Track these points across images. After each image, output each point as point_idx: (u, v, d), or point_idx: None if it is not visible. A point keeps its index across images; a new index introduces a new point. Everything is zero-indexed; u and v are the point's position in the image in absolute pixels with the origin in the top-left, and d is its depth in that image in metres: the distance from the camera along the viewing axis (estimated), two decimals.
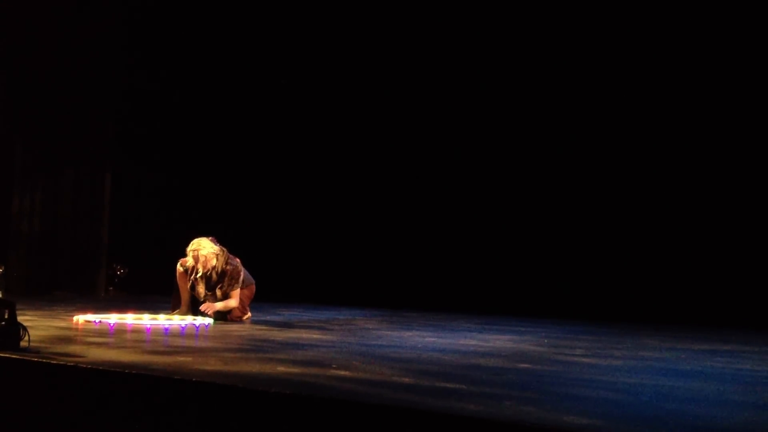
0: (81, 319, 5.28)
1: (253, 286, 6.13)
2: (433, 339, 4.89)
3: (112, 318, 5.34)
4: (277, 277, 8.32)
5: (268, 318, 6.33)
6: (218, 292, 5.78)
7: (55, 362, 2.99)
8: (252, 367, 3.13)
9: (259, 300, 6.33)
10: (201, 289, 5.78)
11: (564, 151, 7.87)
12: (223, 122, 9.73)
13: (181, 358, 3.31)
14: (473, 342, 4.77)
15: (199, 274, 5.72)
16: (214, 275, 5.77)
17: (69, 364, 2.96)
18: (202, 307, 5.64)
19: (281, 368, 3.11)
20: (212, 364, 3.15)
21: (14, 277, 8.64)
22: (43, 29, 9.19)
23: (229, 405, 2.58)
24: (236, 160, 9.64)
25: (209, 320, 5.56)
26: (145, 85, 9.75)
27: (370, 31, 8.80)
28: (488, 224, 8.26)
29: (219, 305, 5.72)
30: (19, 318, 3.43)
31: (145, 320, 5.38)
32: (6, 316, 3.35)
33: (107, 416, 2.80)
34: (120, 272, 9.64)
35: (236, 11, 9.47)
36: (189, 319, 5.53)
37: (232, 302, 5.80)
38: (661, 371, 3.58)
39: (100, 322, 5.19)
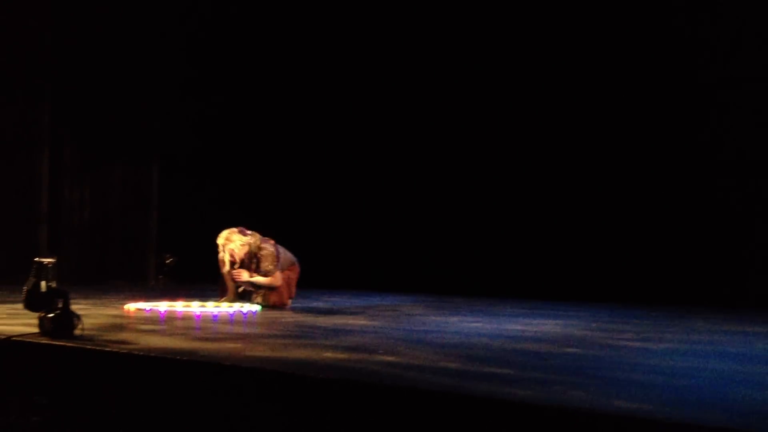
0: (132, 307, 5.38)
1: (297, 266, 6.14)
2: (479, 324, 4.87)
3: (163, 306, 5.43)
4: (322, 263, 8.38)
5: (314, 304, 6.38)
6: (257, 276, 5.85)
7: (108, 349, 3.06)
8: (299, 353, 3.15)
9: (303, 287, 6.38)
10: (244, 274, 5.85)
11: (607, 131, 7.77)
12: (267, 109, 9.79)
13: (230, 345, 3.35)
14: (520, 327, 4.74)
15: (235, 267, 5.80)
16: (246, 260, 5.84)
17: (122, 351, 3.02)
18: (233, 274, 5.75)
19: (328, 354, 3.13)
20: (260, 351, 3.18)
21: (66, 268, 8.85)
22: (92, 26, 9.35)
23: (278, 391, 2.61)
24: (281, 147, 9.70)
25: (257, 307, 5.63)
26: (190, 78, 9.87)
27: (396, 21, 8.82)
28: (534, 209, 8.20)
29: (257, 279, 5.80)
30: (73, 307, 3.49)
31: (194, 308, 5.47)
32: (60, 305, 3.43)
33: (158, 402, 2.85)
34: (169, 261, 9.79)
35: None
36: (237, 306, 5.60)
37: (274, 281, 5.86)
38: (714, 354, 3.52)
39: (150, 309, 5.29)
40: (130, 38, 9.65)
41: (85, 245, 9.65)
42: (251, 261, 5.85)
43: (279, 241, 6.13)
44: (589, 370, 2.94)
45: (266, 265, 5.82)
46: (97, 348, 3.09)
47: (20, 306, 3.65)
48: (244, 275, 5.78)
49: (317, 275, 7.25)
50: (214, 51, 9.88)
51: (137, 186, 10.04)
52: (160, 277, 9.90)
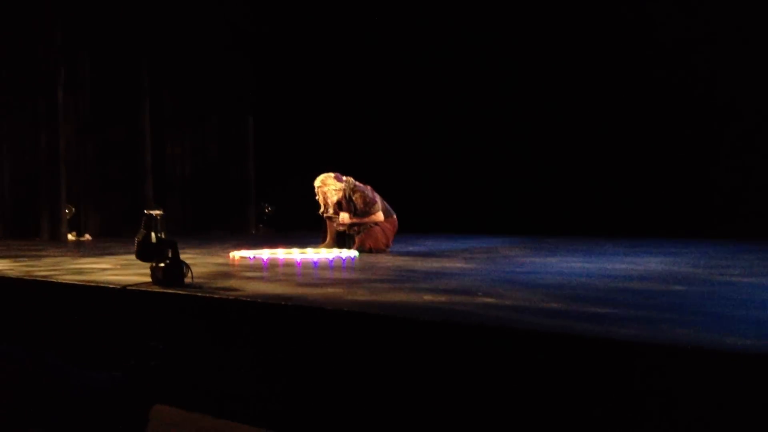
0: (236, 255, 5.56)
1: (394, 219, 6.21)
2: (579, 264, 4.79)
3: (265, 253, 5.59)
4: (418, 208, 8.40)
5: (411, 249, 6.42)
6: (356, 219, 5.96)
7: (217, 296, 3.17)
8: (399, 296, 3.19)
9: (401, 232, 6.42)
10: (345, 217, 5.97)
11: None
12: (360, 58, 9.77)
13: (331, 290, 3.42)
14: (623, 265, 4.64)
15: (330, 212, 5.94)
16: (344, 204, 5.94)
17: (230, 297, 3.13)
18: (340, 219, 5.91)
19: (428, 297, 3.14)
20: (361, 294, 3.24)
21: (171, 219, 9.22)
22: None
23: (381, 334, 2.65)
24: (378, 95, 9.69)
25: (355, 253, 5.72)
26: (280, 29, 9.93)
27: None
28: (632, 145, 7.95)
29: (359, 219, 5.93)
30: (181, 256, 3.64)
31: (295, 254, 5.60)
32: (170, 255, 3.57)
33: (265, 346, 2.95)
34: (268, 210, 10.05)
35: None
36: (336, 252, 5.70)
37: (376, 217, 5.96)
38: None
39: (254, 257, 5.45)
40: None
41: (188, 197, 10.01)
42: (349, 204, 5.96)
43: (377, 186, 6.19)
44: (696, 307, 2.86)
45: (361, 204, 5.92)
46: (207, 295, 3.21)
47: (132, 257, 3.81)
48: (345, 217, 5.92)
49: (413, 220, 7.28)
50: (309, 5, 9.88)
51: (234, 137, 10.28)
52: (260, 225, 10.18)
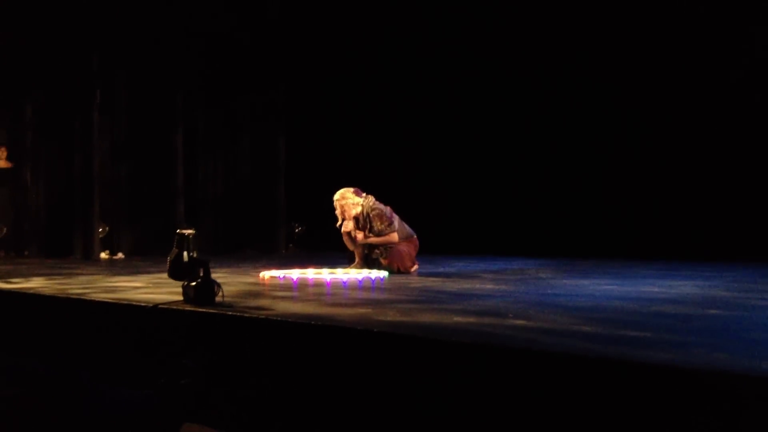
0: (267, 275, 5.58)
1: (415, 239, 6.17)
2: (612, 287, 4.74)
3: (295, 273, 5.61)
4: (447, 229, 8.37)
5: (441, 269, 6.40)
6: (372, 237, 5.97)
7: (248, 315, 3.18)
8: (429, 317, 3.17)
9: (430, 253, 6.41)
10: (359, 235, 5.99)
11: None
12: (395, 80, 9.80)
13: (361, 310, 3.42)
14: (656, 289, 4.58)
15: (350, 226, 5.96)
16: (361, 221, 5.96)
17: (260, 317, 3.13)
18: (356, 235, 5.94)
19: (458, 318, 3.12)
20: (391, 315, 3.22)
21: (202, 238, 9.30)
22: (214, 6, 9.64)
23: (410, 355, 2.64)
24: (407, 118, 9.71)
25: (384, 273, 5.71)
26: (313, 50, 10.02)
27: None
28: (665, 167, 7.86)
29: (374, 239, 5.93)
30: (212, 275, 3.66)
31: (325, 274, 5.61)
32: (202, 274, 3.59)
33: (295, 365, 2.95)
34: (298, 230, 10.09)
35: None
36: (365, 273, 5.70)
37: (391, 238, 5.95)
38: None
39: (284, 277, 5.46)
40: (253, 13, 9.90)
41: (219, 216, 10.09)
42: (366, 223, 5.97)
43: (406, 207, 6.18)
44: (731, 332, 2.81)
45: (378, 224, 5.92)
46: (238, 314, 3.22)
47: (164, 275, 3.84)
48: (360, 235, 5.93)
49: (443, 241, 7.27)
50: (339, 19, 9.97)
51: (266, 157, 10.37)
52: (290, 245, 10.22)
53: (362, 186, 6.25)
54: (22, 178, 9.22)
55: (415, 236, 6.19)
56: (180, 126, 9.52)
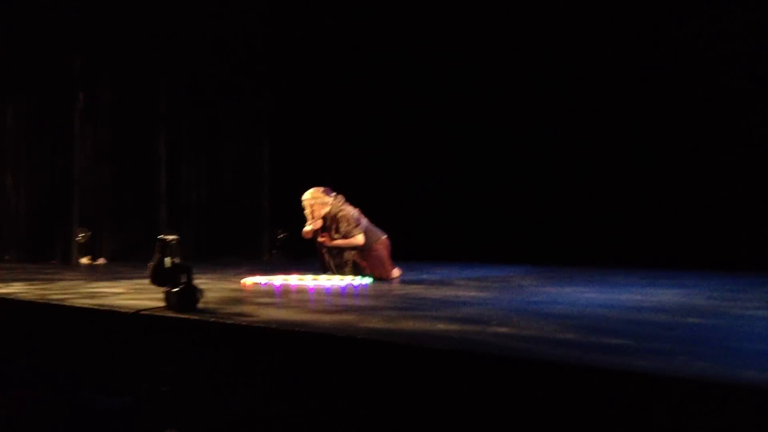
0: (249, 281, 5.56)
1: (385, 239, 6.11)
2: (594, 294, 4.76)
3: (277, 279, 5.59)
4: (430, 236, 8.37)
5: (424, 277, 6.40)
6: (337, 237, 5.96)
7: (230, 322, 3.17)
8: (412, 324, 3.16)
9: (413, 259, 6.40)
10: (324, 239, 5.98)
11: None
12: (379, 86, 9.82)
13: (345, 317, 3.41)
14: (637, 297, 4.60)
15: (318, 225, 5.95)
16: (328, 220, 5.95)
17: (242, 323, 3.12)
18: (320, 238, 5.92)
19: (441, 325, 3.12)
20: (375, 322, 3.22)
21: (184, 244, 9.25)
22: (199, 10, 9.63)
23: (394, 362, 2.63)
24: (391, 122, 9.72)
25: (368, 280, 5.70)
26: (298, 57, 10.02)
27: None
28: (647, 176, 7.92)
29: (338, 241, 5.92)
30: (194, 281, 3.64)
31: (308, 281, 5.59)
32: (184, 280, 3.57)
33: (277, 373, 2.94)
34: (281, 236, 10.05)
35: None
36: (348, 279, 5.69)
37: (355, 240, 5.92)
38: None
39: (266, 283, 5.44)
40: (238, 19, 9.89)
41: (202, 222, 10.04)
42: (332, 222, 5.95)
43: (389, 214, 6.17)
44: (713, 340, 2.83)
45: (344, 226, 5.91)
46: (220, 320, 3.21)
47: (146, 281, 3.81)
48: (324, 239, 5.93)
49: (425, 248, 7.27)
50: (323, 26, 9.97)
51: (249, 163, 10.34)
52: (273, 251, 10.18)
53: (346, 192, 6.24)
54: (2, 183, 9.13)
55: (385, 236, 6.13)
56: (163, 131, 9.47)
